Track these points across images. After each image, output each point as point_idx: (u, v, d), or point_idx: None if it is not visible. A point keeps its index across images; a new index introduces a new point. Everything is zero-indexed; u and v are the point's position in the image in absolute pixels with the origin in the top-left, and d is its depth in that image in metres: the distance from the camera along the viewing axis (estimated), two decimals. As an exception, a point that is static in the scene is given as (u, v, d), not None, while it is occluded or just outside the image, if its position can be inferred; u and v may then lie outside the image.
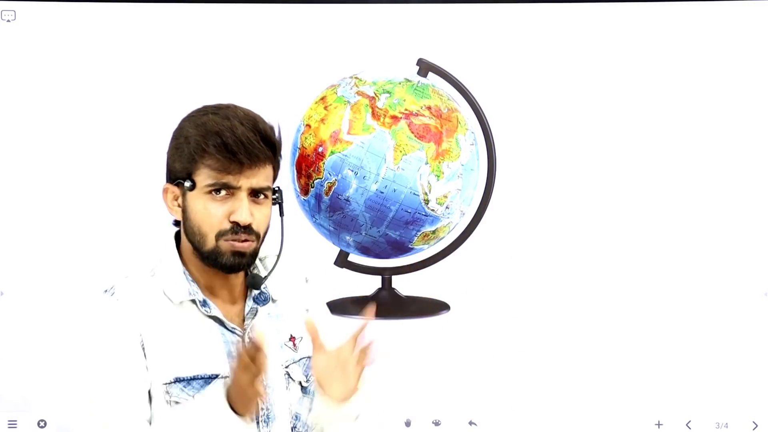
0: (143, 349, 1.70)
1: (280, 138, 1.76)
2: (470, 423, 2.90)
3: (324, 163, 2.24)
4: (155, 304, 1.74)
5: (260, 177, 1.73)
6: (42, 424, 2.92)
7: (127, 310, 1.71)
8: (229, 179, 1.71)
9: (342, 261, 2.67)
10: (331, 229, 2.31)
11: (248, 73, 2.85)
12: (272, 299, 1.84)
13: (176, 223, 1.80)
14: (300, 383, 1.84)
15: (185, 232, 1.76)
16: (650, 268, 2.90)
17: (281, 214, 1.80)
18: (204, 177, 1.72)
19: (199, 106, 1.79)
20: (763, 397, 2.92)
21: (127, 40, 2.88)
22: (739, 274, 2.92)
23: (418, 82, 2.36)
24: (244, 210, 1.72)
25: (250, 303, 1.82)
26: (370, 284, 2.78)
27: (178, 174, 1.75)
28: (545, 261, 2.89)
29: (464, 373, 2.88)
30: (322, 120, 2.40)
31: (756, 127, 2.90)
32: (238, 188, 1.71)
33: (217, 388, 1.74)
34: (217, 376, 1.74)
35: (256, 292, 1.83)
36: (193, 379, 1.73)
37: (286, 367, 1.83)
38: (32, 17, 2.88)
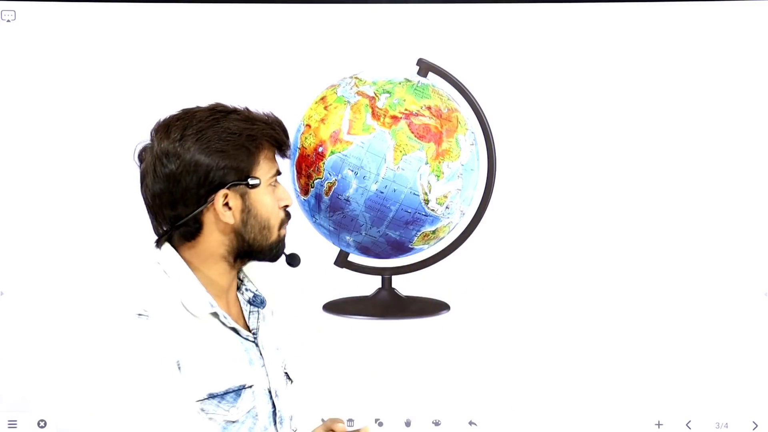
0: (179, 370, 1.67)
1: None
2: (470, 423, 2.90)
3: (324, 163, 2.24)
4: (181, 320, 1.70)
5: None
6: (42, 424, 2.92)
7: (163, 334, 1.66)
8: (278, 167, 1.77)
9: (342, 261, 2.67)
10: (331, 229, 2.31)
11: (248, 73, 2.85)
12: (264, 301, 1.85)
13: (187, 236, 1.74)
14: (291, 380, 1.86)
15: (239, 234, 1.73)
16: (650, 268, 2.90)
17: None
18: (266, 170, 1.73)
19: (191, 109, 1.77)
20: (763, 397, 2.92)
21: (127, 40, 2.88)
22: (739, 274, 2.92)
23: (418, 82, 2.36)
24: (287, 193, 1.77)
25: (248, 307, 1.81)
26: (370, 284, 2.79)
27: (234, 177, 1.71)
28: (545, 261, 2.89)
29: (464, 373, 2.88)
30: (322, 120, 2.40)
31: (755, 128, 2.90)
32: (281, 174, 1.77)
33: (247, 399, 1.74)
34: (244, 387, 1.73)
35: (250, 295, 1.83)
36: (226, 393, 1.71)
37: (284, 367, 1.85)
38: (32, 17, 2.88)
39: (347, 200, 2.22)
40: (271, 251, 1.76)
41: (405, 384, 2.88)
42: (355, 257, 2.67)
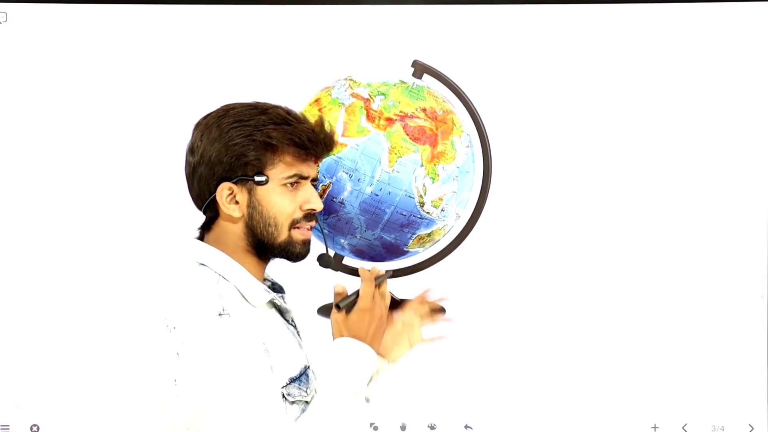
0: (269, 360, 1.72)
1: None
2: (466, 427, 2.89)
3: (318, 166, 2.22)
4: (250, 313, 1.74)
5: (316, 167, 1.89)
6: (35, 428, 2.91)
7: (248, 327, 1.70)
8: (303, 170, 1.83)
9: (336, 264, 2.66)
10: (326, 231, 2.29)
11: (242, 74, 2.84)
12: (282, 288, 1.93)
13: (206, 225, 1.82)
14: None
15: (249, 228, 1.79)
16: (646, 271, 2.90)
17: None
18: (280, 170, 1.80)
19: (235, 104, 1.82)
20: (759, 400, 2.92)
21: (119, 42, 2.87)
22: (735, 277, 2.91)
23: (413, 84, 2.34)
24: (317, 198, 1.85)
25: (272, 294, 1.85)
26: (365, 287, 2.77)
27: (243, 171, 1.76)
28: (541, 264, 2.88)
29: (460, 377, 2.87)
30: (317, 122, 2.39)
31: (753, 130, 2.90)
32: (307, 178, 1.84)
33: (312, 378, 1.80)
34: (308, 367, 1.81)
35: (268, 283, 1.90)
36: (301, 375, 1.77)
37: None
38: (23, 19, 2.87)
39: (342, 203, 2.20)
40: (283, 250, 1.81)
41: (400, 388, 2.87)
42: (349, 260, 2.66)
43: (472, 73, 2.81)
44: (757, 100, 2.90)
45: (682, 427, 2.93)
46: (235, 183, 1.77)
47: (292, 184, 1.81)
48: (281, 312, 1.85)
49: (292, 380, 1.74)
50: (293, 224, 1.82)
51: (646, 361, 2.90)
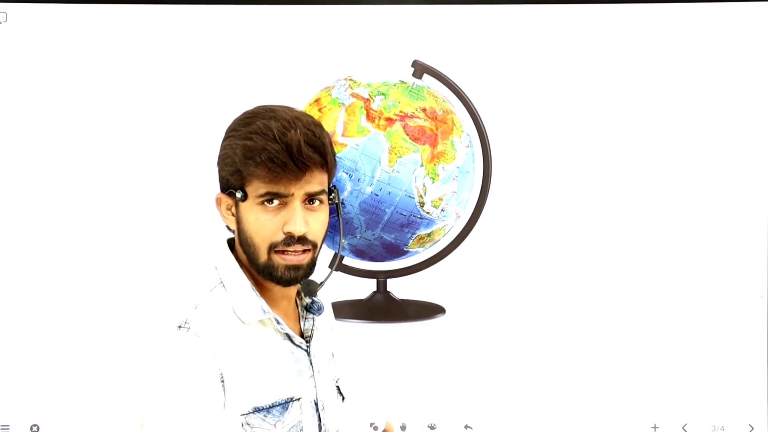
0: (222, 384, 1.60)
1: (329, 140, 1.66)
2: (466, 427, 2.89)
3: (317, 181, 2.22)
4: (229, 330, 1.63)
5: (313, 182, 1.64)
6: (35, 428, 2.91)
7: (206, 346, 1.59)
8: (280, 188, 1.62)
9: (337, 264, 2.66)
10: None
11: (242, 74, 2.83)
12: (322, 308, 1.77)
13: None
14: (343, 396, 1.81)
15: (240, 243, 1.67)
16: (646, 272, 2.90)
17: (338, 214, 1.73)
18: (255, 187, 1.63)
19: (246, 110, 1.69)
20: (759, 400, 2.92)
21: (119, 42, 2.87)
22: (735, 277, 2.91)
23: (413, 83, 2.34)
24: (298, 219, 1.62)
25: (305, 314, 1.75)
26: (365, 287, 2.77)
27: (230, 184, 1.66)
28: (541, 264, 2.88)
29: (460, 377, 2.87)
30: (317, 122, 2.39)
31: (754, 130, 2.90)
32: (291, 196, 1.62)
33: (294, 412, 1.68)
34: (292, 399, 1.67)
35: (308, 301, 1.76)
36: (273, 406, 1.65)
37: (336, 381, 1.80)
38: (23, 19, 2.87)
39: (342, 203, 2.20)
40: (264, 272, 1.65)
41: (400, 388, 2.87)
42: (350, 260, 2.66)
43: (471, 73, 2.81)
44: (757, 100, 2.90)
45: (682, 427, 2.93)
46: (227, 195, 1.66)
47: (269, 201, 1.62)
48: (288, 335, 1.70)
49: (258, 410, 1.63)
50: (272, 248, 1.63)
51: (646, 361, 2.90)
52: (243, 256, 1.68)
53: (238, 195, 1.64)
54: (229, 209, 1.68)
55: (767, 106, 2.90)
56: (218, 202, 1.70)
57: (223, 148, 1.68)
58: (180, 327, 1.59)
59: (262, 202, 1.63)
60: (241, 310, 1.65)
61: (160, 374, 1.58)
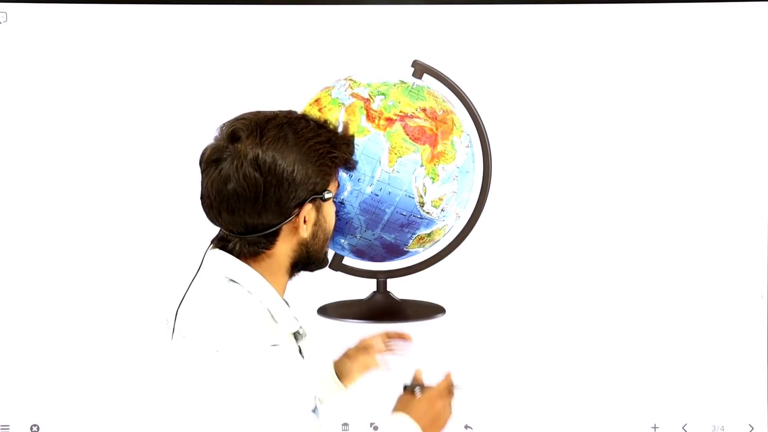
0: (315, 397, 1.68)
1: None
2: (466, 427, 2.89)
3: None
4: (286, 342, 1.68)
5: None
6: (35, 428, 2.91)
7: (297, 358, 1.67)
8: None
9: (337, 264, 2.66)
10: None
11: (242, 74, 2.83)
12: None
13: (252, 252, 1.70)
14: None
15: (305, 246, 1.72)
16: (646, 271, 2.90)
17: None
18: (335, 183, 1.75)
19: (275, 121, 1.70)
20: (759, 400, 2.92)
21: (119, 42, 2.87)
22: (735, 277, 2.91)
23: (413, 83, 2.34)
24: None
25: (300, 322, 1.78)
26: (365, 287, 2.77)
27: (315, 190, 1.69)
28: (541, 264, 2.88)
29: (460, 377, 2.87)
30: (317, 122, 2.38)
31: (754, 130, 2.90)
32: None
33: (320, 411, 1.73)
34: (318, 399, 1.75)
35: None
36: (315, 409, 1.70)
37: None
38: (23, 19, 2.87)
39: (342, 203, 2.20)
40: (323, 261, 1.77)
41: (400, 387, 2.87)
42: (349, 260, 2.66)
43: (472, 73, 2.81)
44: (757, 100, 2.90)
45: (682, 427, 2.93)
46: (311, 202, 1.69)
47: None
48: (296, 337, 1.76)
49: (313, 410, 1.68)
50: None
51: (646, 361, 2.90)
52: (275, 266, 1.70)
53: (328, 195, 1.71)
54: (306, 218, 1.70)
55: (767, 106, 2.90)
56: (305, 219, 1.70)
57: (315, 156, 1.68)
58: (274, 345, 1.60)
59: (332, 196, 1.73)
60: (283, 322, 1.69)
61: (270, 395, 1.58)
